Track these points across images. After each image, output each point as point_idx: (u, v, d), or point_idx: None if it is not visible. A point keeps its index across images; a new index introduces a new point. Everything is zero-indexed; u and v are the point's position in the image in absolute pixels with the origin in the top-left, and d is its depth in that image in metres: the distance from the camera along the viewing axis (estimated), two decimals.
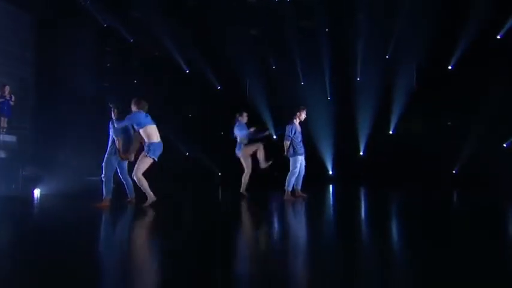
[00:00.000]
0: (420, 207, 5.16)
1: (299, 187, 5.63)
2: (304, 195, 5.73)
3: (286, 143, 5.37)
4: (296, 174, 5.42)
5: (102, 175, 4.68)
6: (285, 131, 5.45)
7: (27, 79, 9.99)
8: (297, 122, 5.48)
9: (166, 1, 9.90)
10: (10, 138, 8.36)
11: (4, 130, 8.25)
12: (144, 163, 4.50)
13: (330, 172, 10.80)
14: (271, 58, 10.85)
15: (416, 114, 8.65)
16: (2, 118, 8.24)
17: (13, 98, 8.46)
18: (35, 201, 6.52)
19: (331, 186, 10.09)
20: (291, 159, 5.39)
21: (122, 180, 4.84)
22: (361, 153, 10.48)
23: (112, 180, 4.70)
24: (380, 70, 9.46)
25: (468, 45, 7.73)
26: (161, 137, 10.02)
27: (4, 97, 8.29)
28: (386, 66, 9.30)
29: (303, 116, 5.57)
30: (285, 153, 5.43)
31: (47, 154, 8.91)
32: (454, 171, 8.03)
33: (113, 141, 4.65)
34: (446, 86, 7.91)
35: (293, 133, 5.32)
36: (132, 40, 10.65)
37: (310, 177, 10.34)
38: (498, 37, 7.62)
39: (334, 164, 10.69)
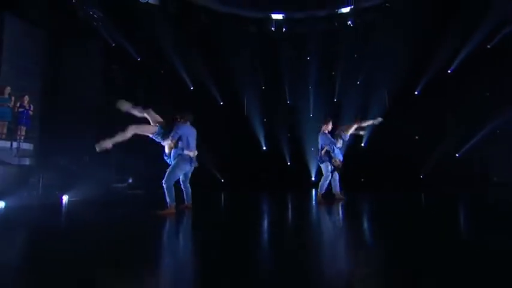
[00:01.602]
0: (390, 207, 5.29)
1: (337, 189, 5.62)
2: (343, 197, 5.70)
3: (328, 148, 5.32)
4: (328, 179, 5.38)
5: (163, 181, 4.34)
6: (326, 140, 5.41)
7: (35, 92, 9.59)
8: (326, 132, 5.44)
9: (172, 25, 10.19)
10: (28, 146, 8.02)
11: (22, 138, 7.91)
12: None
13: (313, 178, 11.66)
14: (263, 79, 11.58)
15: (387, 129, 9.71)
16: (21, 127, 7.92)
17: (32, 108, 8.16)
18: (64, 208, 6.15)
19: (313, 190, 10.87)
20: (323, 165, 5.39)
21: (182, 187, 4.69)
22: None
23: (173, 188, 4.37)
24: (357, 93, 10.61)
25: (430, 76, 9.11)
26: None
27: (24, 107, 7.98)
28: (363, 90, 10.45)
29: (329, 126, 5.50)
30: (321, 157, 5.41)
31: (58, 162, 8.63)
32: (421, 176, 9.17)
33: (182, 152, 4.36)
34: (413, 107, 9.14)
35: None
36: (139, 59, 10.78)
37: (297, 183, 11.24)
38: (449, 71, 9.07)
39: (317, 172, 11.57)
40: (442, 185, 8.29)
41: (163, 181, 4.38)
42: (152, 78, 10.77)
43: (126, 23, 9.97)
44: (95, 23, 9.80)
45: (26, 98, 8.04)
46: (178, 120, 4.54)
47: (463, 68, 8.81)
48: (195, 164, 4.57)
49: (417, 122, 9.08)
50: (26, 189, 7.18)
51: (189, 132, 4.50)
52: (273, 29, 10.16)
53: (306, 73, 11.19)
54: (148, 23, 9.79)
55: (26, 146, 7.94)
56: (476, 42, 8.50)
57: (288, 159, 12.03)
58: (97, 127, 10.11)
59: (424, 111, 8.87)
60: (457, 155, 8.83)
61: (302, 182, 11.54)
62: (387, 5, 8.98)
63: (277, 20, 10.01)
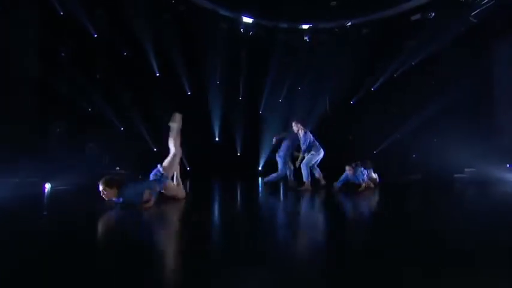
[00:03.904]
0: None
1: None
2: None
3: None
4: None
5: (303, 165, 5.88)
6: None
7: None
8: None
9: (143, 6, 9.28)
10: None
11: None
12: None
13: (260, 168, 12.67)
14: (222, 74, 11.68)
15: (327, 130, 11.47)
16: None
17: None
18: (49, 196, 5.30)
19: (259, 178, 11.89)
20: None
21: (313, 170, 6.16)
22: None
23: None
24: (304, 97, 12.11)
25: (361, 91, 11.40)
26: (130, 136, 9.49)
27: None
28: (308, 95, 11.99)
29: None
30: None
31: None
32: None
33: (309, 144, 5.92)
34: (349, 114, 11.23)
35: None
36: (96, 35, 9.31)
37: (247, 170, 11.96)
38: (372, 89, 11.55)
39: (264, 163, 12.63)
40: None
41: (304, 164, 5.94)
42: (111, 59, 9.51)
43: None
44: None
45: None
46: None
47: (381, 88, 11.41)
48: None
49: (351, 125, 11.21)
50: None
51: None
52: (241, 30, 10.53)
53: (260, 74, 11.97)
54: None
55: None
56: (389, 72, 11.19)
57: (238, 149, 12.62)
58: (34, 100, 8.30)
59: (356, 117, 11.05)
60: (374, 151, 11.36)
61: (250, 170, 12.39)
62: (336, 30, 10.68)
63: (246, 23, 10.43)
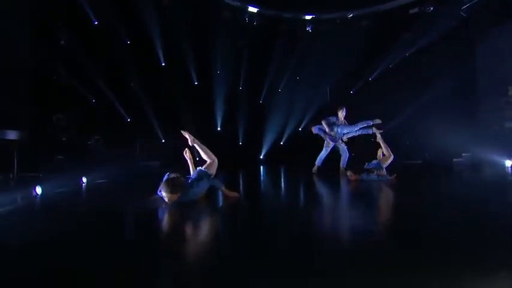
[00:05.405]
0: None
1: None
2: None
3: None
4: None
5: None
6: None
7: None
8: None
9: None
10: None
11: None
12: None
13: (261, 156, 12.80)
14: (221, 64, 11.45)
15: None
16: None
17: None
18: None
19: (261, 166, 12.04)
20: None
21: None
22: (282, 143, 13.00)
23: None
24: (303, 87, 12.27)
25: (361, 82, 11.73)
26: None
27: None
28: (308, 85, 12.16)
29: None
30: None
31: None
32: (353, 154, 11.74)
33: None
34: (349, 103, 11.53)
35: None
36: (96, 22, 8.79)
37: (248, 159, 12.02)
38: (370, 79, 11.94)
39: (265, 151, 12.76)
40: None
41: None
42: (113, 47, 9.05)
43: None
44: None
45: None
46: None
47: (379, 78, 11.84)
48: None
49: (350, 113, 11.54)
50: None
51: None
52: (246, 19, 10.38)
53: (260, 64, 11.91)
54: None
55: None
56: (386, 63, 11.61)
57: (240, 139, 12.61)
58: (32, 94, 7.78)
59: (355, 106, 11.39)
60: (372, 139, 11.82)
61: (253, 158, 12.50)
62: (338, 21, 10.84)
63: (251, 13, 10.29)
